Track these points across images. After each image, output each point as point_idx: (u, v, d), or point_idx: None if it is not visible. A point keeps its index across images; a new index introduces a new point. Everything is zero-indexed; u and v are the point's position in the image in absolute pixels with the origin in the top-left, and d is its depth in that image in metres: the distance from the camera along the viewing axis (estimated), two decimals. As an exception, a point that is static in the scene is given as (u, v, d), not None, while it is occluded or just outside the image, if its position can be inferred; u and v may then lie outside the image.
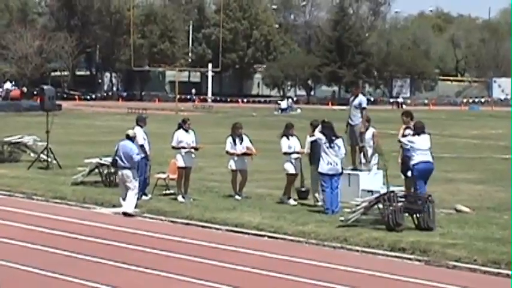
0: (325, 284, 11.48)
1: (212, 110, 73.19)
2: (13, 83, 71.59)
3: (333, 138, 17.01)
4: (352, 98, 19.11)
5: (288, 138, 18.46)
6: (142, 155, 18.04)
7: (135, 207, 17.34)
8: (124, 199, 17.38)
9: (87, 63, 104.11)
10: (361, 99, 18.81)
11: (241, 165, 18.90)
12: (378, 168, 18.74)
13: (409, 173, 17.27)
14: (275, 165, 21.90)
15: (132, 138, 17.66)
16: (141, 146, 18.25)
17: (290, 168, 18.38)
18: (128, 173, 17.35)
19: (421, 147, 16.67)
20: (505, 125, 47.54)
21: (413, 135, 16.83)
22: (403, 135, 17.40)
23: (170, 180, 19.60)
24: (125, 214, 17.10)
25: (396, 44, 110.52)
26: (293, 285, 11.54)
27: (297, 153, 18.37)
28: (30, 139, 26.75)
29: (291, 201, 18.25)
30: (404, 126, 17.72)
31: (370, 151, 18.76)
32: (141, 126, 18.99)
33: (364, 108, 18.69)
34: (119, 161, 17.47)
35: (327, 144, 16.90)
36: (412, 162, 16.68)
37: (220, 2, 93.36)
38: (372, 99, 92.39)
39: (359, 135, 18.60)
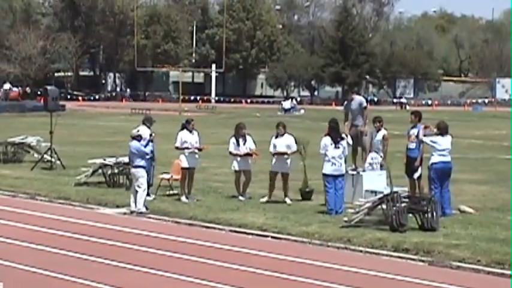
0: (328, 284, 11.47)
1: (216, 110, 73.15)
2: (9, 85, 71.41)
3: (338, 139, 17.02)
4: (346, 103, 19.26)
5: (276, 137, 18.48)
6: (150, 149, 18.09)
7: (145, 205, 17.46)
8: (135, 199, 17.42)
9: (91, 64, 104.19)
10: (361, 99, 18.91)
11: (245, 165, 18.89)
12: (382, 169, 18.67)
13: (416, 175, 17.23)
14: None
15: (137, 138, 17.73)
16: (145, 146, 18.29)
17: (271, 166, 18.52)
18: (134, 171, 17.53)
19: (443, 148, 16.69)
20: (508, 126, 47.43)
21: (437, 135, 16.84)
22: (409, 135, 17.48)
23: (174, 180, 19.61)
24: (139, 213, 17.18)
25: (400, 44, 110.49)
26: (296, 286, 11.54)
27: (277, 153, 18.35)
28: (33, 140, 26.78)
29: (287, 200, 18.22)
30: (411, 125, 17.75)
31: (377, 153, 18.58)
32: (148, 126, 19.11)
33: (365, 107, 18.81)
34: (130, 161, 17.92)
35: (333, 145, 16.90)
36: (430, 161, 16.70)
37: (223, 2, 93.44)
38: (376, 99, 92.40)
39: (360, 136, 18.57)
